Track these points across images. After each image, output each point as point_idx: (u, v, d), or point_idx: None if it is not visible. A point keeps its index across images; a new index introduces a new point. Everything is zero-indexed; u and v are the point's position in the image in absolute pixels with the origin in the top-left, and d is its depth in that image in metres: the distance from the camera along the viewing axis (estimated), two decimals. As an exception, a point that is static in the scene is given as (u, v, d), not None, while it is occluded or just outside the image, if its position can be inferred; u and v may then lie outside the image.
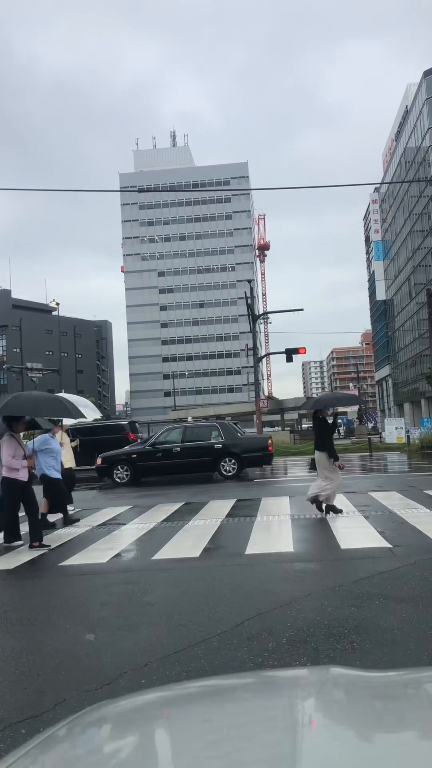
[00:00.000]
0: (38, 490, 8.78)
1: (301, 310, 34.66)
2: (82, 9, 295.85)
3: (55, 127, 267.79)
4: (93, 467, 16.45)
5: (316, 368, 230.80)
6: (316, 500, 8.84)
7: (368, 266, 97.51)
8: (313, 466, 11.11)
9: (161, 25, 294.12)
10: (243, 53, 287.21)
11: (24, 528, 8.04)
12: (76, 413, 8.37)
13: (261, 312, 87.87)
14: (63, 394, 13.09)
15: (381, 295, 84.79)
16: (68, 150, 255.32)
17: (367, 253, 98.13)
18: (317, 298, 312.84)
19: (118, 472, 16.08)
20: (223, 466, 16.00)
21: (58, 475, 9.55)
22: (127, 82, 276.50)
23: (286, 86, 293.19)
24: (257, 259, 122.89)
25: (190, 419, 38.35)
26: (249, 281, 42.53)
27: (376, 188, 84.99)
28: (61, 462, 9.87)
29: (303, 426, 63.33)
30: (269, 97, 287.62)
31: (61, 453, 9.84)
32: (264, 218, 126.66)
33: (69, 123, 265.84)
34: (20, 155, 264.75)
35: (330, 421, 9.46)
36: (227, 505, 10.63)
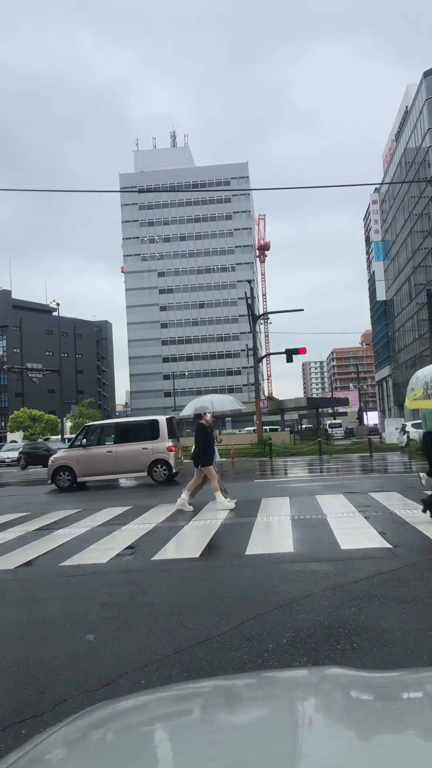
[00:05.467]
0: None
1: (302, 310, 34.73)
2: (48, 11, 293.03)
3: (45, 128, 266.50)
4: None
5: (316, 368, 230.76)
6: None
7: (368, 266, 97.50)
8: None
9: (130, 29, 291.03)
10: (220, 55, 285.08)
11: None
12: None
13: (261, 312, 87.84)
14: None
15: (381, 296, 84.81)
16: (61, 150, 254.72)
17: (367, 253, 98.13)
18: (317, 299, 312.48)
19: None
20: None
21: None
22: (103, 86, 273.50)
23: (263, 89, 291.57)
24: (257, 259, 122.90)
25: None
26: (249, 281, 42.53)
27: (376, 188, 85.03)
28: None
29: (303, 426, 63.28)
30: (256, 99, 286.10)
31: None
32: (264, 218, 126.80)
33: (60, 125, 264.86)
34: (10, 157, 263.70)
35: None
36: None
